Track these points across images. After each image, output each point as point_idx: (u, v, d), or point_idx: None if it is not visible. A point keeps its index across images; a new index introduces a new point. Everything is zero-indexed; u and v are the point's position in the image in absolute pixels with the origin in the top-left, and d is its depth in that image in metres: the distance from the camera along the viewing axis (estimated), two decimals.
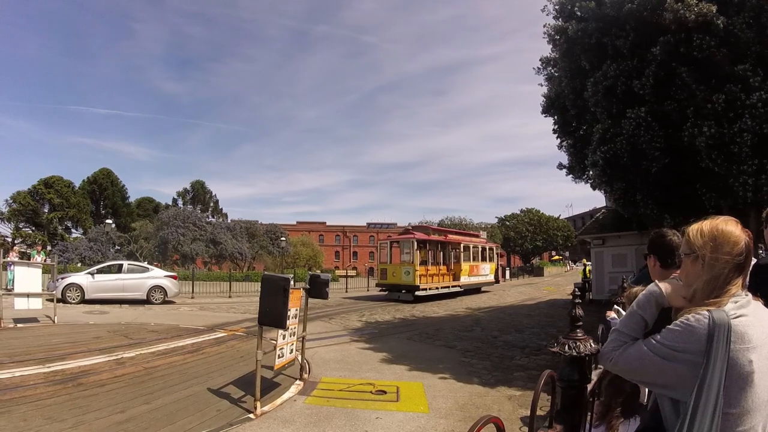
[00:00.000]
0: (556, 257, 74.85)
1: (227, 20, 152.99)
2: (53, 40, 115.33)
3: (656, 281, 1.74)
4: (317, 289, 7.47)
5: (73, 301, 16.30)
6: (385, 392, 6.54)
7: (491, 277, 28.51)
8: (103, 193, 62.46)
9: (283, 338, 6.33)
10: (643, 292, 1.71)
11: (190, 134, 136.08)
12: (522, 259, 64.47)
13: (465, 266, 25.14)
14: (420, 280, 20.93)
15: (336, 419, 5.43)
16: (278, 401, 6.11)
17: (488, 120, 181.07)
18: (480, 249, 27.52)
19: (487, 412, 5.46)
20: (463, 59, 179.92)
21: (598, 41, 11.14)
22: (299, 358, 7.41)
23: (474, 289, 26.16)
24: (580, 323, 2.63)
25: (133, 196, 69.19)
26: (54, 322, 11.78)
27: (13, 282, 14.22)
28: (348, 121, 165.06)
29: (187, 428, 5.02)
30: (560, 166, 15.14)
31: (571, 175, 14.81)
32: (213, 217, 61.20)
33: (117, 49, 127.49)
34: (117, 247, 44.00)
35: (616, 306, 3.48)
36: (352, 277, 40.56)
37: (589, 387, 2.81)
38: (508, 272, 45.30)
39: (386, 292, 22.56)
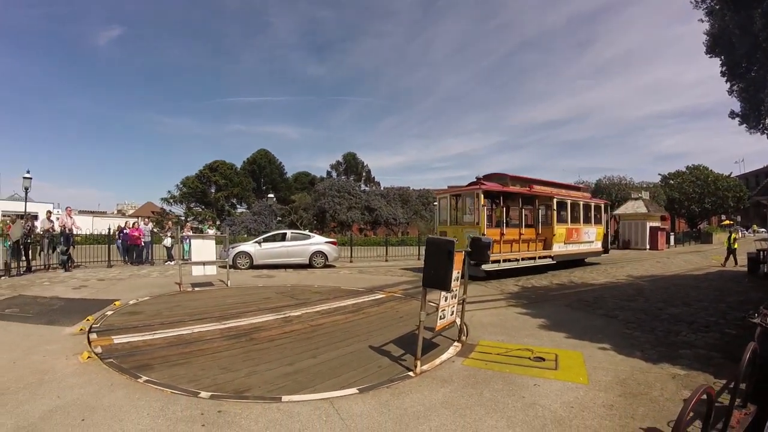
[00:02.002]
0: (727, 221, 64.51)
1: (355, 0, 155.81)
2: (197, 44, 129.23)
3: None
4: (479, 252, 7.41)
5: (243, 267, 18.39)
6: (543, 359, 6.38)
7: (598, 245, 22.31)
8: (263, 171, 68.99)
9: (445, 300, 6.38)
10: None
11: (336, 111, 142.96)
12: (688, 223, 57.20)
13: (560, 230, 19.19)
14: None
15: (493, 382, 5.38)
16: (437, 361, 6.23)
17: (641, 69, 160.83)
18: (582, 207, 20.95)
19: (648, 390, 5.23)
20: (604, 3, 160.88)
21: None
22: (458, 320, 7.40)
23: (573, 261, 20.54)
24: None
25: (290, 171, 75.33)
26: (227, 285, 13.44)
27: (189, 252, 16.83)
28: (489, 84, 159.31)
29: (351, 381, 5.34)
30: (732, 114, 13.17)
31: (744, 125, 12.91)
32: (366, 185, 64.10)
33: (256, 44, 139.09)
34: (278, 218, 48.41)
35: None
36: None
37: None
38: (672, 238, 41.34)
39: None
